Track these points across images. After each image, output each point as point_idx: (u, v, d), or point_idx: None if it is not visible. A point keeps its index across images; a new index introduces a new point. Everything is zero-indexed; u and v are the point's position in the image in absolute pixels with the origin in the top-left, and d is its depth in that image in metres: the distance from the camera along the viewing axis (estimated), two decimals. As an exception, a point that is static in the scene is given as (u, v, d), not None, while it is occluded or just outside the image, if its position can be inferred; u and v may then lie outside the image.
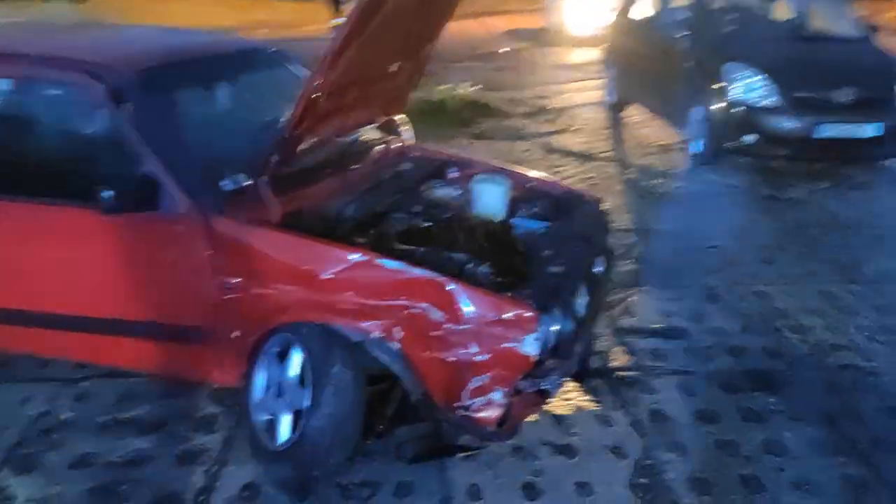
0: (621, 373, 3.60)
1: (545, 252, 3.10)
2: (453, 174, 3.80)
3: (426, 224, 3.25)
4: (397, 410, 3.03)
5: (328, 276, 2.70)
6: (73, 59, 2.91)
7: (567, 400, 3.34)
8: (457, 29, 16.25)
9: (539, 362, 2.65)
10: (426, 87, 9.34)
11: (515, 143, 7.94)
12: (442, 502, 2.73)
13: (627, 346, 3.84)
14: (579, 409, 3.30)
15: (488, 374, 2.65)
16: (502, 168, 3.89)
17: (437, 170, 3.78)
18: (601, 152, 7.65)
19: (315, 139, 3.08)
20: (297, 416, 2.72)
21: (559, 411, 3.27)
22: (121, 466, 2.86)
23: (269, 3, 20.19)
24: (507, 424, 2.76)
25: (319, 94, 2.69)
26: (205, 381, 3.05)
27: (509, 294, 2.67)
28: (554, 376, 2.74)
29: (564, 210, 3.57)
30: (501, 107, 9.59)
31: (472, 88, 9.74)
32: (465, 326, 2.63)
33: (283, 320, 2.77)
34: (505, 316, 2.61)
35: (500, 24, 18.50)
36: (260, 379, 2.85)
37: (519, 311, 2.60)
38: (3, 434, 3.02)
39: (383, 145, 3.70)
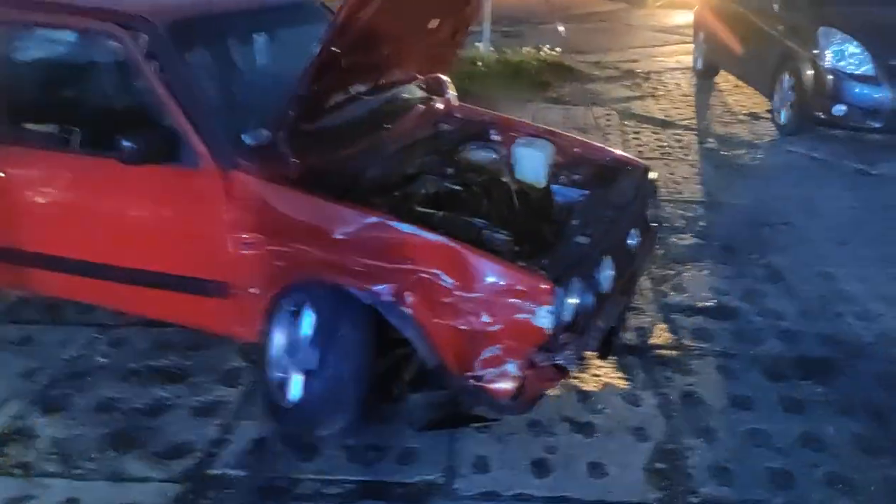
0: (659, 351, 3.44)
1: (576, 221, 2.97)
2: (495, 137, 3.68)
3: (455, 187, 3.17)
4: (416, 376, 3.01)
5: (341, 237, 2.66)
6: (104, 8, 2.93)
7: (596, 376, 3.22)
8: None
9: (554, 336, 2.54)
10: (508, 48, 9.18)
11: (592, 108, 7.69)
12: (445, 472, 2.68)
13: (671, 324, 3.66)
14: (607, 386, 3.17)
15: (500, 344, 2.57)
16: (549, 132, 3.74)
17: (478, 132, 3.67)
18: (682, 120, 7.32)
19: (342, 96, 3.02)
20: (309, 375, 2.71)
21: (586, 387, 3.15)
22: (142, 414, 2.93)
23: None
24: (523, 397, 2.67)
25: (337, 50, 2.62)
26: (227, 336, 3.07)
27: (523, 264, 2.56)
28: (569, 352, 2.61)
29: (608, 178, 3.41)
30: (585, 70, 9.31)
31: (557, 51, 9.47)
32: (477, 295, 2.55)
33: (298, 279, 2.75)
34: (518, 286, 2.51)
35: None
36: (276, 336, 2.85)
37: (533, 282, 2.49)
38: (37, 374, 3.14)
39: (423, 105, 3.60)
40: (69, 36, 3.12)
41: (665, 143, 6.55)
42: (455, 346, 2.60)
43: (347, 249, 2.65)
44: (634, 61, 9.98)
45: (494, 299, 2.54)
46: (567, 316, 2.61)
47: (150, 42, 2.84)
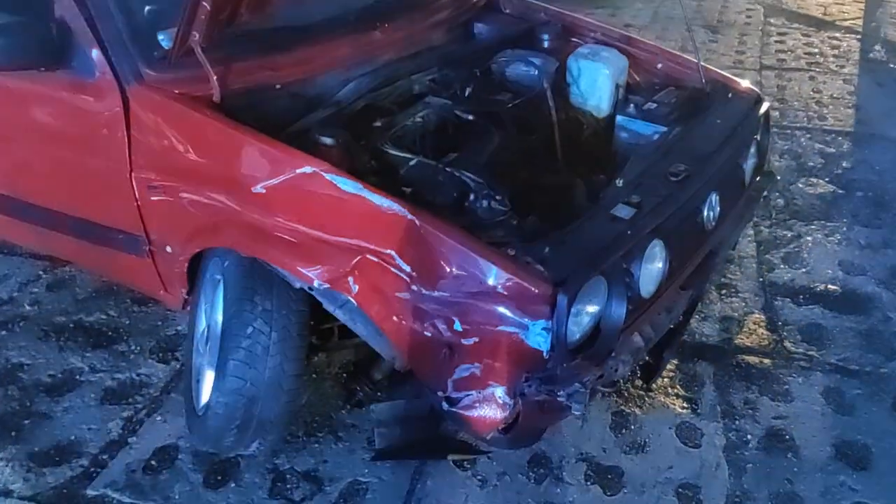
0: (745, 356, 2.47)
1: (622, 180, 2.01)
2: (547, 43, 2.69)
3: (467, 117, 2.26)
4: (390, 377, 2.25)
5: (262, 190, 1.85)
6: None
7: (644, 391, 2.31)
8: None
9: (554, 360, 1.66)
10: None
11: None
12: (399, 526, 1.92)
13: (771, 315, 2.67)
14: (655, 408, 2.26)
15: (479, 363, 1.73)
16: (625, 38, 2.70)
17: (525, 35, 2.69)
18: (844, 19, 5.86)
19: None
20: (217, 375, 1.96)
21: (624, 406, 2.26)
22: (43, 391, 2.31)
23: None
24: (517, 432, 1.85)
25: None
26: (155, 299, 2.38)
27: (513, 252, 1.67)
28: (578, 386, 1.72)
29: (697, 110, 2.38)
30: (733, -47, 7.77)
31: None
32: (440, 292, 1.70)
33: (213, 244, 1.98)
34: (500, 287, 1.64)
35: None
36: (201, 312, 2.12)
37: (524, 283, 1.62)
38: (-49, 323, 2.58)
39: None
40: None
41: (816, 50, 5.20)
42: (421, 355, 1.80)
43: (272, 208, 1.84)
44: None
45: (468, 301, 1.68)
46: (578, 332, 1.72)
47: None
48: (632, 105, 2.44)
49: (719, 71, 2.61)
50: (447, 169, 1.92)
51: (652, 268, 1.85)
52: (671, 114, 2.36)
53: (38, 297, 2.70)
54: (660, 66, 2.61)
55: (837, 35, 5.51)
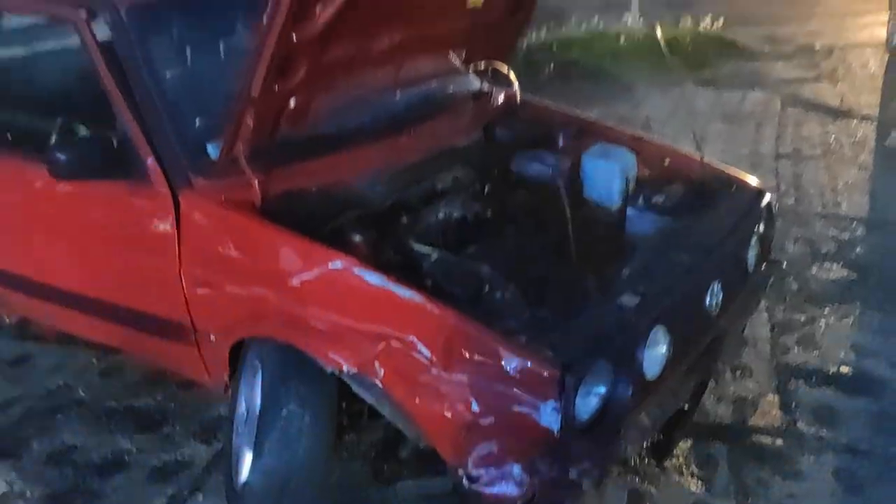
0: (759, 437, 2.57)
1: (628, 269, 2.18)
2: (562, 143, 2.90)
3: (486, 213, 2.46)
4: (417, 455, 2.38)
5: (299, 283, 2.05)
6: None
7: (658, 467, 2.41)
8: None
9: (565, 439, 1.80)
10: (662, 22, 8.12)
11: (751, 91, 6.57)
12: None
13: (785, 396, 2.77)
14: (669, 486, 2.36)
15: (497, 441, 1.87)
16: (634, 138, 2.92)
17: (542, 137, 2.91)
18: (861, 108, 6.06)
19: (340, 92, 2.38)
20: (255, 456, 2.12)
21: (641, 486, 2.36)
22: (94, 471, 2.49)
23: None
24: (534, 509, 1.96)
25: (296, 35, 1.98)
26: (199, 383, 2.56)
27: (524, 339, 1.83)
28: (588, 464, 1.86)
29: (701, 203, 2.56)
30: (753, 45, 8.09)
31: (719, 22, 8.29)
32: (458, 375, 1.86)
33: (253, 332, 2.17)
34: (512, 371, 1.80)
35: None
36: (241, 396, 2.30)
37: (533, 367, 1.78)
38: (13, 406, 2.79)
39: (473, 103, 2.89)
40: (24, 20, 2.69)
41: (832, 138, 5.39)
42: (443, 435, 1.94)
43: (306, 300, 2.04)
44: (816, 34, 8.56)
45: (483, 384, 1.84)
46: (587, 413, 1.86)
47: (110, 28, 2.33)
48: (641, 198, 2.63)
49: (724, 166, 2.79)
50: (465, 263, 2.11)
51: (655, 352, 1.99)
52: (677, 207, 2.54)
53: (91, 384, 2.91)
54: (667, 162, 2.81)
55: (854, 123, 5.70)
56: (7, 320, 3.22)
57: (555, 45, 7.48)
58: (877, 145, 5.26)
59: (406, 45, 2.47)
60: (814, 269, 3.63)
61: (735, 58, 7.61)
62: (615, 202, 2.67)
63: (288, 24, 1.91)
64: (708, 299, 2.20)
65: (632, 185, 2.70)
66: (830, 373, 2.89)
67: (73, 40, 2.45)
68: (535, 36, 7.66)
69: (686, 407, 2.33)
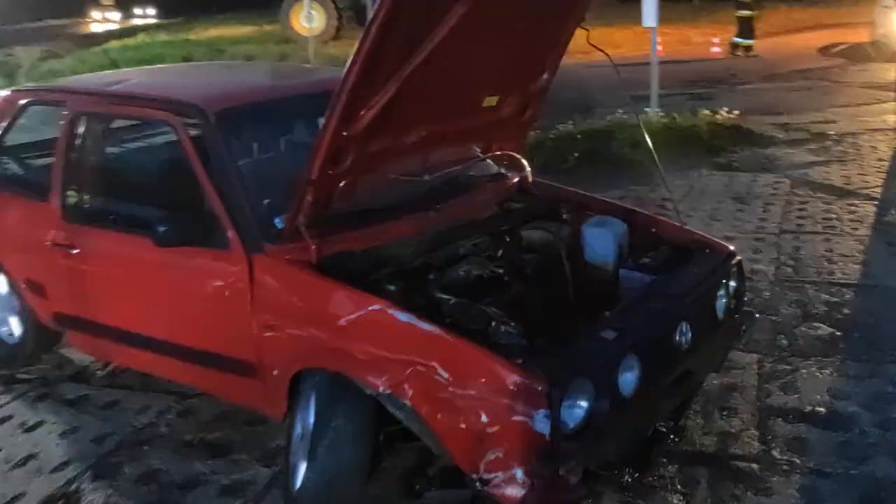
0: (736, 462, 2.98)
1: (609, 312, 2.69)
2: (565, 215, 3.46)
3: (497, 270, 3.00)
4: (444, 472, 2.84)
5: (345, 323, 2.59)
6: (163, 97, 3.14)
7: (651, 486, 2.84)
8: (763, 46, 15.14)
9: (554, 442, 2.28)
10: (681, 112, 8.75)
11: (762, 175, 7.07)
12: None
13: (763, 430, 3.18)
14: (654, 499, 2.78)
15: (502, 447, 2.36)
16: (626, 210, 3.45)
17: (548, 210, 3.46)
18: (864, 188, 6.51)
19: (380, 176, 2.97)
20: (308, 465, 2.64)
21: (632, 500, 2.79)
22: (176, 487, 3.00)
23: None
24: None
25: (346, 133, 2.58)
26: (262, 414, 3.08)
27: (520, 361, 2.34)
28: (574, 462, 2.33)
29: (681, 262, 3.07)
30: (768, 133, 8.63)
31: (736, 113, 8.89)
32: (471, 392, 2.37)
33: (309, 364, 2.71)
34: (510, 385, 2.30)
35: (818, 39, 16.73)
36: (297, 420, 2.82)
37: (526, 382, 2.28)
38: (107, 440, 3.33)
39: (490, 183, 3.47)
40: (134, 123, 3.37)
41: (834, 215, 5.83)
42: (461, 444, 2.43)
43: (350, 336, 2.58)
44: (830, 122, 9.07)
45: (489, 398, 2.35)
46: (574, 421, 2.35)
47: (199, 129, 2.99)
48: (630, 260, 3.15)
49: (702, 233, 3.32)
50: (476, 305, 2.64)
51: (629, 375, 2.48)
52: (660, 265, 3.06)
53: (171, 422, 3.45)
54: (653, 230, 3.33)
55: (856, 202, 6.14)
56: (98, 373, 3.83)
57: (581, 135, 8.14)
58: (875, 220, 5.69)
59: (434, 137, 3.06)
60: (802, 328, 4.05)
61: (750, 145, 8.13)
62: (610, 263, 3.18)
63: (339, 124, 2.52)
64: (677, 336, 2.68)
65: (625, 250, 3.23)
66: (806, 411, 3.29)
67: (171, 137, 3.13)
68: (563, 127, 8.35)
69: (665, 428, 2.79)
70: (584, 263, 3.21)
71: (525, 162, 3.59)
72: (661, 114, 8.61)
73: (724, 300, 3.01)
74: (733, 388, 3.48)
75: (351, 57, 2.41)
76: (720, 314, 2.97)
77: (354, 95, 2.49)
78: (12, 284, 3.77)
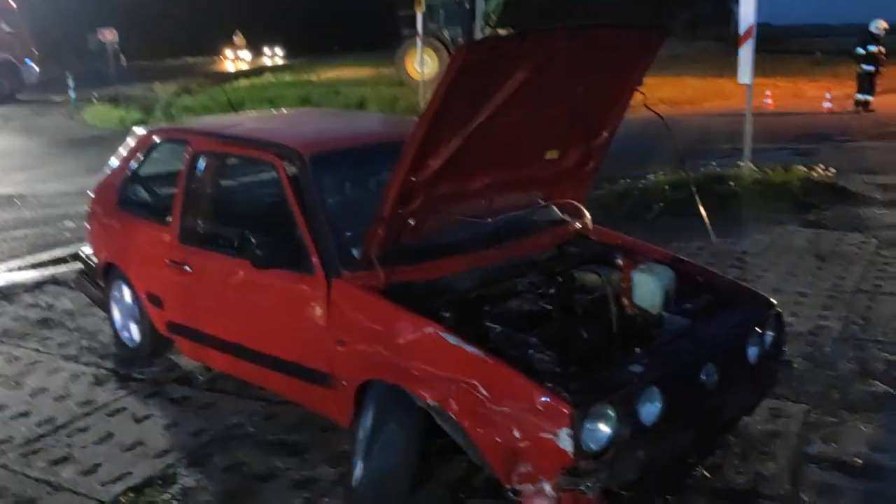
0: (762, 501, 3.17)
1: (640, 349, 2.98)
2: (618, 261, 3.75)
3: (546, 307, 3.32)
4: (487, 483, 3.17)
5: (403, 342, 2.99)
6: (269, 141, 3.67)
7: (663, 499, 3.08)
8: (882, 103, 14.80)
9: (577, 460, 2.59)
10: (774, 168, 8.80)
11: (849, 234, 7.07)
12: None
13: (796, 475, 3.35)
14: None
15: (532, 462, 2.68)
16: (676, 259, 3.72)
17: (602, 255, 3.76)
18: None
19: (446, 215, 3.36)
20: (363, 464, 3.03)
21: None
22: (255, 477, 3.45)
23: (680, 81, 20.40)
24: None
25: (414, 179, 3.00)
26: (332, 420, 3.50)
27: (550, 384, 2.66)
28: (595, 480, 2.62)
29: (718, 309, 3.32)
30: (864, 192, 8.57)
31: (832, 170, 8.87)
32: (504, 408, 2.71)
33: (371, 376, 3.11)
34: (539, 405, 2.63)
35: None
36: (360, 425, 3.22)
37: (553, 403, 2.60)
38: (203, 434, 3.83)
39: (550, 228, 3.82)
40: (242, 161, 3.92)
41: (912, 273, 5.83)
42: (498, 457, 2.76)
43: (408, 354, 2.97)
44: (932, 183, 8.91)
45: (521, 415, 2.68)
46: (596, 443, 2.64)
47: (296, 169, 3.48)
48: (674, 305, 3.42)
49: (744, 283, 3.54)
50: (519, 335, 2.98)
51: (651, 406, 2.75)
52: (699, 311, 3.31)
53: (257, 423, 3.91)
54: (699, 278, 3.58)
55: (943, 264, 6.10)
56: (200, 378, 4.36)
57: (669, 185, 8.33)
58: (957, 284, 5.65)
59: (497, 184, 3.45)
60: (857, 384, 4.15)
61: (842, 203, 8.11)
62: (655, 307, 3.45)
63: (408, 171, 2.95)
64: (703, 376, 2.94)
65: (671, 296, 3.49)
66: (842, 460, 3.43)
67: (272, 175, 3.65)
68: (653, 177, 8.57)
69: (696, 461, 3.03)
70: (632, 306, 3.49)
71: (584, 210, 3.91)
72: (754, 168, 8.69)
73: (757, 347, 3.23)
74: (776, 435, 3.66)
75: (422, 112, 2.84)
76: (752, 360, 3.20)
77: (423, 146, 2.91)
78: (135, 296, 4.38)
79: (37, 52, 23.94)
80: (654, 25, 3.73)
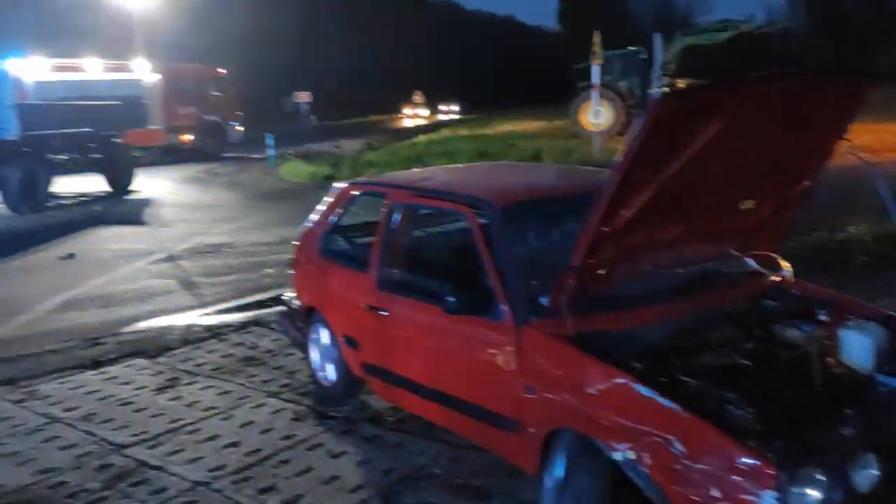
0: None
1: (852, 410, 2.80)
2: (823, 317, 3.56)
3: (744, 362, 3.21)
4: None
5: (593, 392, 2.99)
6: (462, 193, 3.83)
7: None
8: None
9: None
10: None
11: None
12: None
13: None
14: None
15: (729, 524, 2.59)
16: (889, 317, 3.48)
17: (804, 310, 3.59)
18: None
19: (638, 265, 3.36)
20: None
21: None
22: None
23: (879, 127, 19.06)
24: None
25: (606, 229, 3.03)
26: (516, 466, 3.53)
27: (753, 444, 2.57)
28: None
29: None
30: None
31: None
32: (703, 467, 2.64)
33: (559, 424, 3.13)
34: (741, 465, 2.54)
35: None
36: (548, 473, 3.23)
37: (756, 464, 2.51)
38: (393, 472, 3.98)
39: (748, 279, 3.70)
40: (436, 212, 4.12)
41: None
42: (693, 515, 2.69)
43: (598, 404, 2.97)
44: None
45: (721, 475, 2.60)
46: (807, 510, 2.51)
47: (488, 219, 3.61)
48: (887, 366, 3.19)
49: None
50: (716, 390, 2.90)
51: (866, 472, 2.58)
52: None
53: (444, 465, 4.02)
54: (915, 337, 3.33)
55: None
56: (389, 418, 4.55)
57: (872, 238, 7.78)
58: None
59: (689, 234, 3.41)
60: None
61: None
62: (867, 368, 3.24)
63: (600, 221, 2.98)
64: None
65: (884, 356, 3.26)
66: None
67: (464, 225, 3.80)
68: (853, 229, 8.06)
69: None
70: (839, 365, 3.29)
71: (782, 261, 3.76)
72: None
73: None
74: None
75: (614, 164, 2.88)
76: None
77: (615, 197, 2.94)
78: (333, 338, 4.66)
79: (241, 114, 26.36)
80: (861, 70, 3.56)
